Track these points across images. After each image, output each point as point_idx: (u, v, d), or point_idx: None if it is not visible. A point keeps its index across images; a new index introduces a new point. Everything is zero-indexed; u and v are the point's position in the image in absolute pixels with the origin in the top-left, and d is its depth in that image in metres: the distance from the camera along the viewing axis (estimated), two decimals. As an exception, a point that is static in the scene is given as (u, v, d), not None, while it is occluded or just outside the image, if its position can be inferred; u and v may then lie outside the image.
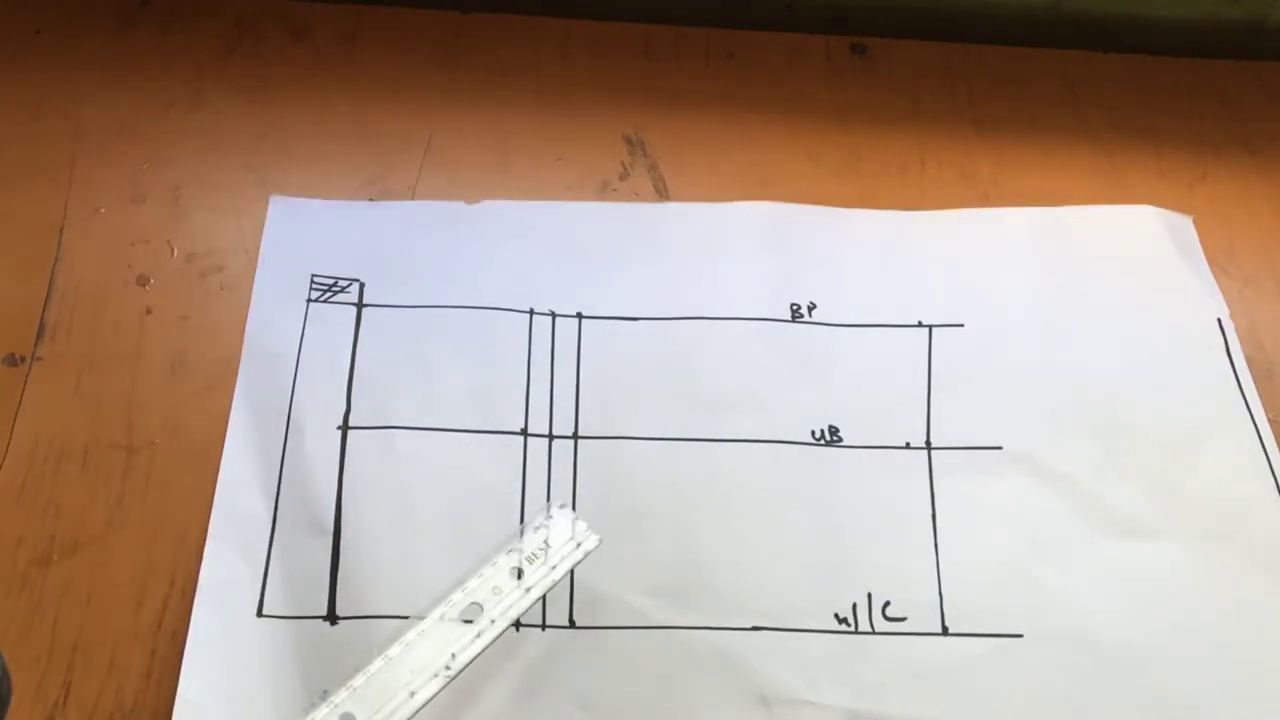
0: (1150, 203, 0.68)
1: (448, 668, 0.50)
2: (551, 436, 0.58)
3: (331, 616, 0.52)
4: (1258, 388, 0.62)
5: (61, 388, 0.58)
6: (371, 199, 0.66)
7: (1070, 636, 0.54)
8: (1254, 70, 0.75)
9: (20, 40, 0.70)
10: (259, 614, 0.52)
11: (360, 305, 0.62)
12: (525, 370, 0.60)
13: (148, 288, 0.61)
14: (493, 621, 0.52)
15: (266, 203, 0.65)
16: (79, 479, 0.55)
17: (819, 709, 0.51)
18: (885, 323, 0.63)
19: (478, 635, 0.51)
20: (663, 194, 0.67)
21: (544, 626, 0.53)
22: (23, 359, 0.59)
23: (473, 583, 0.53)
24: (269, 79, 0.70)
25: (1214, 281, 0.66)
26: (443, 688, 0.50)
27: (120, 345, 0.59)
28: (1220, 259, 0.67)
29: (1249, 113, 0.73)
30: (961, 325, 0.63)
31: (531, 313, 0.62)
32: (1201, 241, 0.67)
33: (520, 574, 0.53)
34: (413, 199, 0.66)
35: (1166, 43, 0.76)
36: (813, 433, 0.59)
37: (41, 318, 0.60)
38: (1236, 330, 0.63)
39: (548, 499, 0.57)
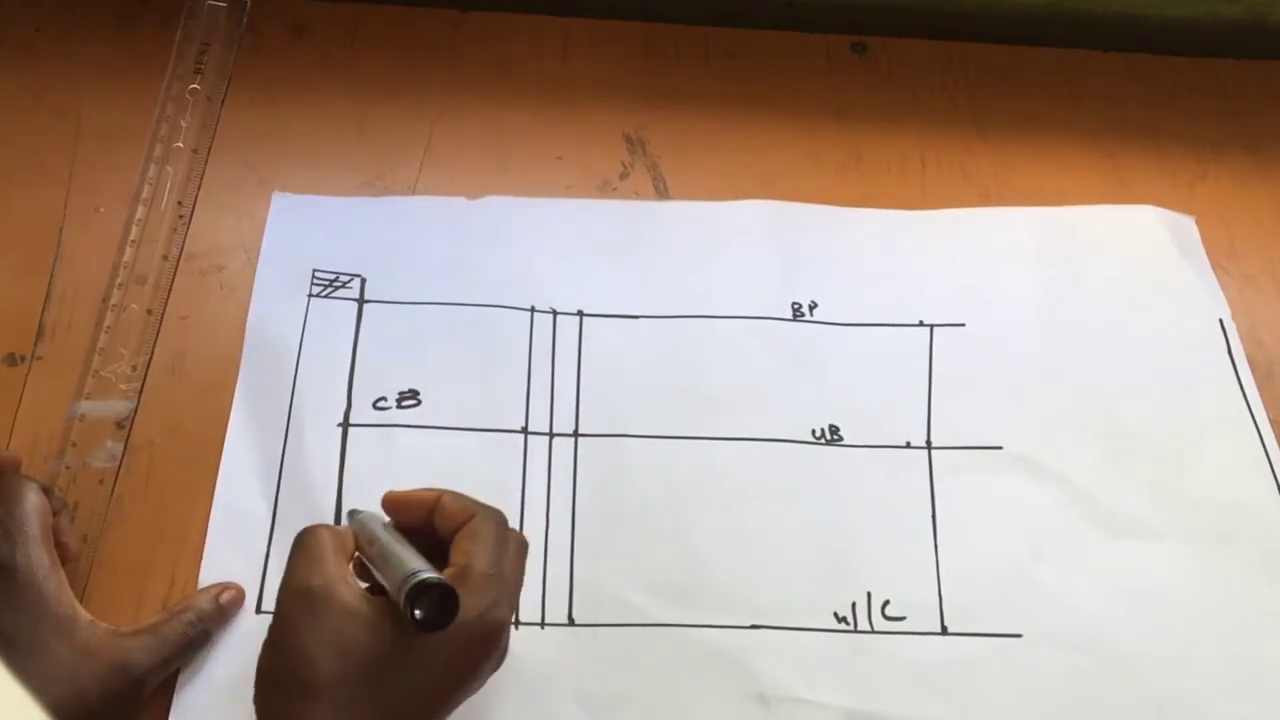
0: (1150, 201, 0.68)
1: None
2: (552, 434, 0.58)
3: (331, 614, 0.52)
4: (1258, 387, 0.62)
5: (61, 387, 0.58)
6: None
7: (1069, 636, 0.54)
8: (1254, 69, 0.75)
9: (20, 38, 0.70)
10: (258, 610, 0.53)
11: (361, 301, 0.62)
12: (526, 368, 0.60)
13: (147, 287, 0.61)
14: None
15: (267, 202, 0.65)
16: (82, 479, 0.55)
17: (818, 708, 0.51)
18: (886, 322, 0.63)
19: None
20: (663, 193, 0.67)
21: (543, 624, 0.53)
22: (22, 358, 0.59)
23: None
24: (269, 77, 0.70)
25: (1216, 282, 0.65)
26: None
27: (120, 345, 0.59)
28: (1221, 258, 0.67)
29: (1249, 111, 0.73)
30: (963, 325, 0.63)
31: (532, 310, 0.62)
32: (1202, 240, 0.67)
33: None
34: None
35: (1167, 41, 0.76)
36: (813, 431, 0.59)
37: (41, 317, 0.60)
38: (1237, 329, 0.63)
39: (547, 497, 0.57)
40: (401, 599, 0.41)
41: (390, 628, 0.42)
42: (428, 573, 0.41)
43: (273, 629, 0.43)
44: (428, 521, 0.47)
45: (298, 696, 0.41)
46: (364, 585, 0.44)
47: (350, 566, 0.45)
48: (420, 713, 0.43)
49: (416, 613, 0.41)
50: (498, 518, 0.46)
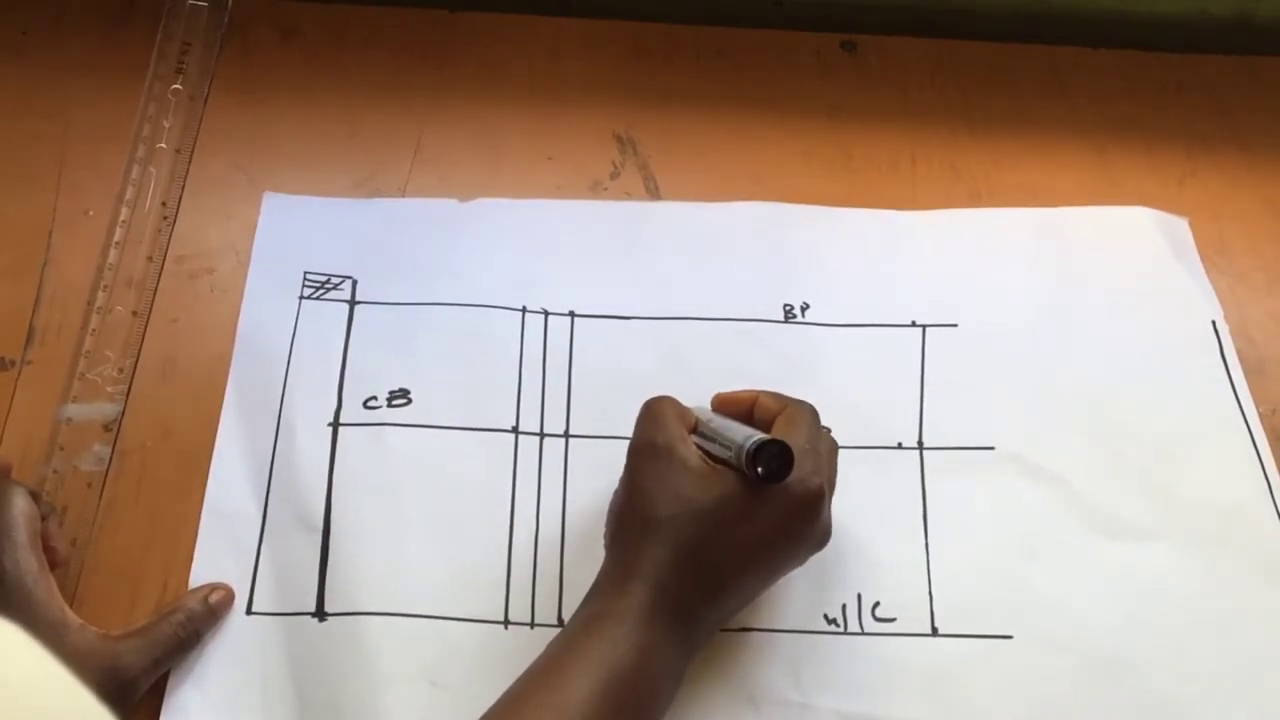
0: (1140, 197, 0.68)
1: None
2: (543, 435, 0.58)
3: (320, 613, 0.52)
4: (1249, 382, 0.61)
5: (50, 391, 0.58)
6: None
7: (1060, 638, 0.54)
8: (1243, 65, 0.75)
9: (8, 41, 0.70)
10: (249, 612, 0.53)
11: (353, 302, 0.62)
12: (517, 368, 0.60)
13: (132, 289, 0.61)
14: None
15: (257, 204, 0.65)
16: (70, 483, 0.55)
17: (808, 709, 0.51)
18: (878, 322, 0.63)
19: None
20: (653, 192, 0.67)
21: (532, 624, 0.53)
22: (12, 363, 0.59)
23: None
24: (259, 79, 0.70)
25: (1209, 284, 0.65)
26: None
27: (106, 348, 0.59)
28: (1211, 254, 0.67)
29: (1238, 107, 0.73)
30: (955, 325, 0.63)
31: (524, 310, 0.62)
32: (1193, 237, 0.67)
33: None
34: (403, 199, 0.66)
35: (1156, 38, 0.76)
36: (804, 432, 0.59)
37: (31, 321, 0.60)
38: (1228, 327, 0.63)
39: (538, 496, 0.57)
40: (744, 456, 0.47)
41: (720, 485, 0.48)
42: (765, 436, 0.47)
43: (623, 479, 0.51)
44: (748, 417, 0.53)
45: (640, 529, 0.48)
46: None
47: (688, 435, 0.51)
48: (740, 563, 0.48)
49: (758, 469, 0.47)
50: (811, 409, 0.52)
